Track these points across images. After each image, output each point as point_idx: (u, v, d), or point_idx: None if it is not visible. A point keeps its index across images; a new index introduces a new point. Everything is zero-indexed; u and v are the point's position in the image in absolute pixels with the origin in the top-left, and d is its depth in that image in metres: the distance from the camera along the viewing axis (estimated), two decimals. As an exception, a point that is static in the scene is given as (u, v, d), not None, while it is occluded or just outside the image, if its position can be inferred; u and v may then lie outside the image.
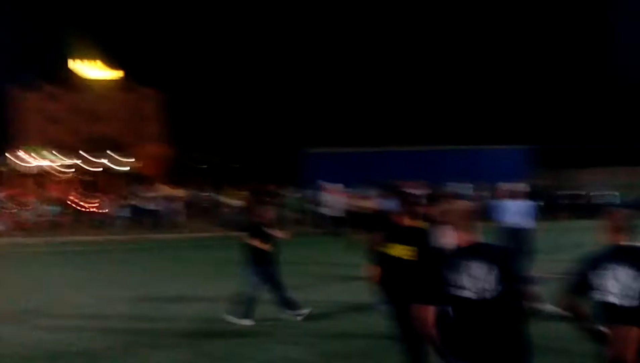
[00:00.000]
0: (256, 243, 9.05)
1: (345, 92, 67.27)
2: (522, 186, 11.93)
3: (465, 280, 3.74)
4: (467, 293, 3.72)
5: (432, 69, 65.51)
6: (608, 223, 3.87)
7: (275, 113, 66.60)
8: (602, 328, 3.77)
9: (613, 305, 3.70)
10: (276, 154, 44.89)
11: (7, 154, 62.58)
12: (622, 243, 3.81)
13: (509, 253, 4.10)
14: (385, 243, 5.27)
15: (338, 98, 66.60)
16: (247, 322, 8.84)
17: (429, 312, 3.91)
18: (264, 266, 9.05)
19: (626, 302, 3.66)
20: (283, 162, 38.81)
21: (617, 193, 27.04)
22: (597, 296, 3.78)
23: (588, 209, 25.91)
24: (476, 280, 3.70)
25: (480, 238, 3.91)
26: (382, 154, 28.93)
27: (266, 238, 9.15)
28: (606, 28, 51.67)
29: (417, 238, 5.10)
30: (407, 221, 5.27)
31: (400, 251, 5.09)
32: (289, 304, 9.12)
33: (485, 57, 64.46)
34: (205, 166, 49.44)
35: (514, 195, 11.61)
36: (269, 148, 51.40)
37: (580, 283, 3.85)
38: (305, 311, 9.10)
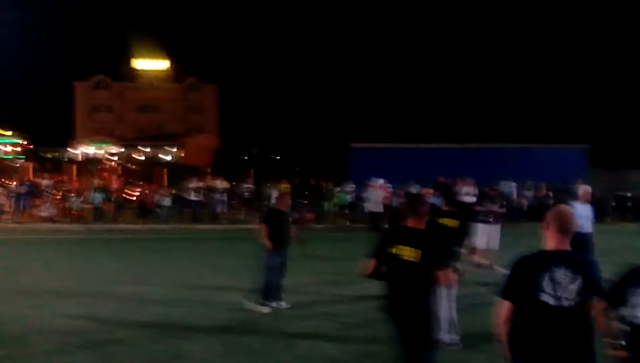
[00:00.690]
0: (266, 230, 9.26)
1: (395, 88, 66.75)
2: (589, 188, 11.24)
3: (546, 284, 3.69)
4: (545, 298, 3.68)
5: (486, 65, 64.47)
6: None
7: (321, 107, 66.56)
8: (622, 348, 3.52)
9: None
10: (321, 148, 44.67)
11: (64, 145, 64.32)
12: None
13: (594, 265, 3.89)
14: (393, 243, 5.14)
15: (387, 93, 66.11)
16: (265, 309, 9.13)
17: (504, 307, 3.86)
18: (277, 252, 9.23)
19: None
20: (328, 156, 38.58)
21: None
22: (627, 314, 3.53)
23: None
24: (558, 287, 3.67)
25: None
26: (429, 150, 28.34)
27: (281, 225, 9.34)
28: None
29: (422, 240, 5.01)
30: (411, 223, 5.19)
31: (405, 252, 4.99)
32: (272, 295, 9.25)
33: (538, 53, 63.04)
34: (246, 158, 49.52)
35: (584, 197, 10.95)
36: (313, 141, 51.22)
37: (615, 296, 3.61)
38: (279, 305, 9.25)
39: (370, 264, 5.23)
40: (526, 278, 3.77)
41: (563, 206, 4.24)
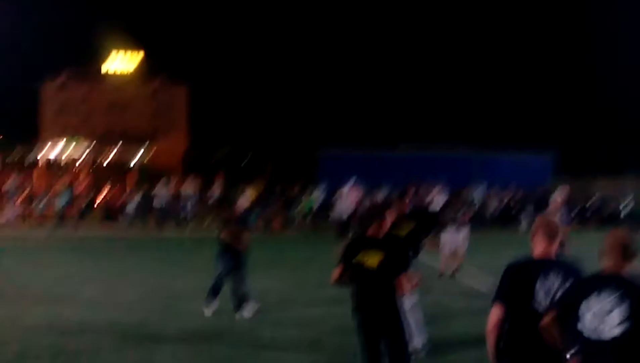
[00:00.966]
0: (226, 236, 9.44)
1: (364, 93, 67.00)
2: (564, 194, 11.26)
3: (538, 291, 3.80)
4: (536, 305, 3.76)
5: (454, 72, 65.07)
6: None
7: (291, 112, 66.48)
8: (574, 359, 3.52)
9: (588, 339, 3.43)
10: (290, 153, 44.61)
11: (27, 145, 63.10)
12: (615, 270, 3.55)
13: (581, 272, 3.91)
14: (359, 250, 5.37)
15: (357, 98, 66.33)
16: (207, 312, 9.25)
17: (496, 311, 3.89)
18: (232, 259, 9.35)
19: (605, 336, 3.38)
20: (297, 161, 38.54)
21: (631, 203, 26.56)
22: (578, 325, 3.52)
23: (618, 219, 25.50)
24: (548, 294, 3.74)
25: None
26: (398, 157, 28.50)
27: (238, 231, 9.50)
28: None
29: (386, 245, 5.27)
30: (371, 231, 5.41)
31: (368, 259, 5.20)
32: (241, 301, 9.33)
33: (506, 59, 63.85)
34: (215, 161, 49.25)
35: (560, 204, 10.96)
36: (283, 146, 51.18)
37: (565, 306, 3.62)
38: (249, 311, 9.28)
39: (336, 271, 5.41)
40: (519, 285, 3.86)
41: (548, 214, 4.40)
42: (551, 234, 3.99)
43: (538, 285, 3.80)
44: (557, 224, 4.12)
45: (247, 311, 9.32)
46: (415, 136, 44.42)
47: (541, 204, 20.27)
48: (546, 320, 3.64)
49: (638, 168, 30.71)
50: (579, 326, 3.51)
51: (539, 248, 3.99)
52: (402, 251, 5.62)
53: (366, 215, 5.76)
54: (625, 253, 3.59)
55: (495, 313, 3.92)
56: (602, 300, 3.45)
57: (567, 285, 3.73)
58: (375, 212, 5.60)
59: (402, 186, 23.64)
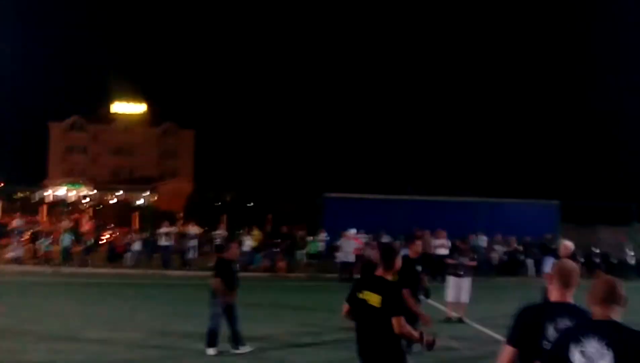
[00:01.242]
0: (215, 282, 9.53)
1: (370, 139, 67.49)
2: (569, 244, 11.23)
3: (550, 334, 3.82)
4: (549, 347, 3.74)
5: (461, 121, 65.66)
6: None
7: (296, 156, 66.93)
8: None
9: None
10: (295, 197, 44.73)
11: (35, 185, 63.48)
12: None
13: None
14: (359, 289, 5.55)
15: (361, 144, 66.78)
16: (211, 351, 9.31)
17: (507, 352, 3.94)
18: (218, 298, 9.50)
19: None
20: (301, 205, 38.61)
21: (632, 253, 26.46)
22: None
23: (625, 267, 25.39)
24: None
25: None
26: (402, 201, 28.47)
27: (230, 275, 9.60)
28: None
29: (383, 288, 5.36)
30: (380, 272, 5.53)
31: (370, 298, 5.35)
32: (237, 339, 9.52)
33: (512, 111, 64.44)
34: (220, 204, 49.34)
35: (564, 252, 10.91)
36: (287, 190, 51.34)
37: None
38: (248, 349, 9.46)
39: (344, 308, 5.59)
40: (531, 327, 3.93)
41: (566, 261, 4.39)
42: (567, 280, 4.07)
43: (548, 325, 3.88)
44: (574, 270, 4.15)
45: (243, 349, 9.49)
46: (422, 183, 44.63)
47: (548, 251, 20.24)
48: (504, 358, 3.76)
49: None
50: (543, 344, 3.67)
51: (555, 293, 4.07)
52: (400, 294, 5.59)
53: (378, 256, 5.80)
54: (613, 299, 3.62)
55: (505, 354, 3.97)
56: (590, 345, 3.47)
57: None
58: (387, 253, 5.64)
59: (407, 231, 23.77)
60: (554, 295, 4.07)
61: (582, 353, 3.47)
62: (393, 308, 5.21)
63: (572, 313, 3.92)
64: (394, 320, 5.14)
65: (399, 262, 5.66)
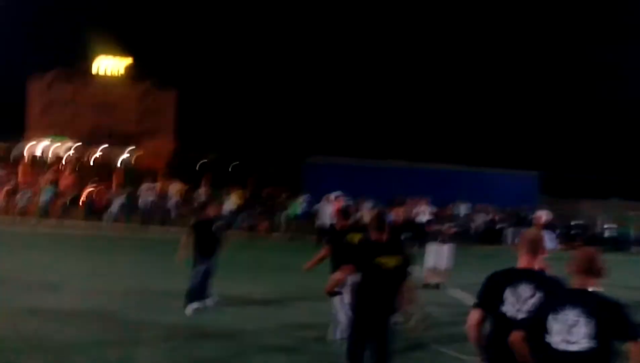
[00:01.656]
0: (186, 239, 9.75)
1: (355, 103, 67.21)
2: (546, 214, 11.32)
3: (508, 297, 4.07)
4: (504, 309, 4.04)
5: (446, 87, 65.47)
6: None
7: (280, 118, 66.54)
8: None
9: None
10: (278, 159, 44.64)
11: (12, 140, 62.62)
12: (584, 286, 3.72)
13: (557, 281, 4.11)
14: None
15: (347, 108, 66.51)
16: (189, 309, 9.35)
17: (474, 314, 4.19)
18: (205, 258, 9.61)
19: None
20: (285, 167, 38.55)
21: (614, 226, 26.77)
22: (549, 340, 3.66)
23: (601, 242, 25.70)
24: (518, 300, 4.02)
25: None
26: (385, 168, 28.51)
27: (206, 235, 9.69)
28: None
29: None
30: (376, 236, 5.93)
31: (389, 261, 5.69)
32: (195, 297, 9.52)
33: (497, 78, 64.37)
34: (204, 162, 49.15)
35: (544, 224, 11.00)
36: (271, 152, 51.17)
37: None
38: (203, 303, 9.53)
39: (341, 273, 5.88)
40: (494, 290, 4.15)
41: (532, 230, 4.74)
42: (534, 248, 4.23)
43: (508, 291, 4.06)
44: (541, 239, 4.36)
45: (203, 302, 9.62)
46: (405, 150, 44.64)
47: (525, 222, 20.44)
48: (515, 336, 3.81)
49: (620, 193, 31.09)
50: (547, 338, 3.68)
51: (522, 261, 4.23)
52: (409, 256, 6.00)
53: (372, 222, 6.08)
54: (592, 270, 3.77)
55: (472, 315, 4.21)
56: (568, 314, 3.62)
57: (538, 294, 3.96)
58: (380, 220, 6.01)
59: (388, 198, 23.79)
60: (521, 262, 4.24)
61: (559, 320, 3.64)
62: (408, 269, 5.75)
63: (535, 279, 4.08)
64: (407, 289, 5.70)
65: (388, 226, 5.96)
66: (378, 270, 5.63)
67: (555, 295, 3.85)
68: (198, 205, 23.73)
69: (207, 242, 9.69)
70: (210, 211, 10.42)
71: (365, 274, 5.70)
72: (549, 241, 10.52)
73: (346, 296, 7.27)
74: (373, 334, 5.62)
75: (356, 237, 7.85)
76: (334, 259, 7.52)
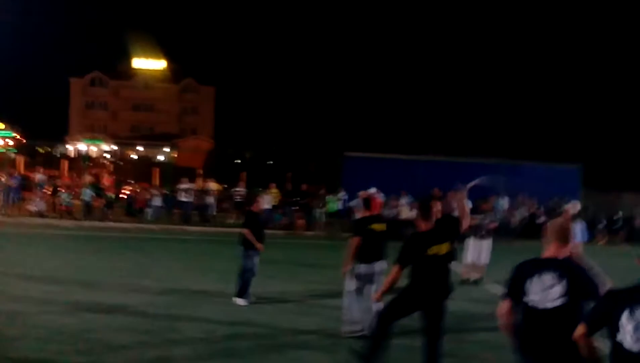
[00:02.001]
0: (246, 232, 10.01)
1: (393, 98, 66.85)
2: (577, 205, 11.17)
3: (533, 287, 4.11)
4: (529, 299, 4.10)
5: (483, 81, 64.68)
6: None
7: (318, 114, 66.58)
8: None
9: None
10: (315, 155, 44.64)
11: (57, 140, 64.06)
12: None
13: (581, 268, 4.25)
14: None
15: (384, 103, 66.20)
16: (241, 302, 9.76)
17: (504, 304, 4.30)
18: (249, 250, 9.96)
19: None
20: (321, 163, 38.53)
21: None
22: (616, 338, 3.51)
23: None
24: (542, 289, 4.05)
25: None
26: (423, 162, 28.20)
27: (257, 227, 10.07)
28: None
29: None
30: (425, 226, 6.30)
31: (442, 249, 6.14)
32: (243, 291, 9.86)
33: (534, 71, 63.32)
34: (240, 161, 49.42)
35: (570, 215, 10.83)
36: (308, 148, 51.20)
37: (599, 320, 3.67)
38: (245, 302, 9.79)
39: (396, 270, 6.10)
40: (519, 280, 4.19)
41: (557, 219, 4.59)
42: (561, 237, 4.24)
43: (533, 280, 4.10)
44: (568, 228, 4.35)
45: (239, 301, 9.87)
46: (443, 144, 44.22)
47: (555, 214, 20.01)
48: (577, 335, 3.71)
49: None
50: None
51: (548, 250, 4.26)
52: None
53: (419, 212, 6.33)
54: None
55: (502, 305, 4.33)
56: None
57: (563, 282, 4.02)
58: (425, 208, 6.26)
59: (427, 192, 23.53)
60: (547, 252, 4.26)
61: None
62: (453, 254, 6.25)
63: (559, 267, 4.10)
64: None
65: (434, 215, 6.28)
66: (434, 259, 6.00)
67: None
68: (237, 203, 23.92)
69: (256, 234, 9.98)
70: (260, 204, 10.94)
71: (419, 265, 6.05)
72: (580, 232, 10.39)
73: (356, 291, 7.97)
74: (430, 317, 6.03)
75: (379, 227, 8.15)
76: (360, 247, 7.91)
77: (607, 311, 3.59)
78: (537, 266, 4.16)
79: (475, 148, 40.86)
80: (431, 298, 6.06)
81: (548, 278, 4.05)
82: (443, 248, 6.06)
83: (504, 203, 24.58)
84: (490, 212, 14.69)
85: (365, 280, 7.97)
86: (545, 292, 4.03)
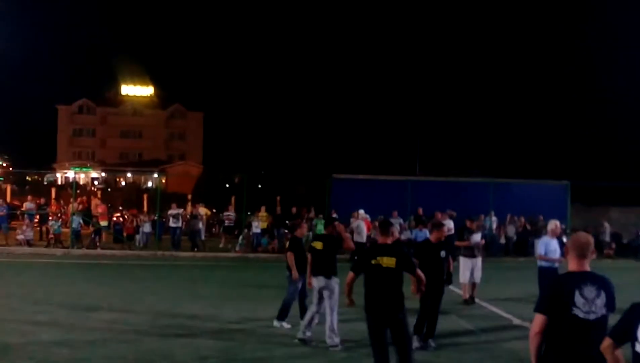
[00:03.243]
0: (289, 256, 9.86)
1: (380, 120, 67.22)
2: (558, 223, 11.28)
3: (577, 299, 4.15)
4: (576, 311, 4.14)
5: (471, 102, 65.18)
6: None
7: (305, 137, 66.82)
8: None
9: None
10: (304, 179, 44.70)
11: (45, 168, 63.75)
12: None
13: (611, 283, 4.33)
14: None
15: (370, 125, 66.54)
16: (281, 325, 9.91)
17: (538, 320, 4.25)
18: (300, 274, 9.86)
19: None
20: (310, 187, 38.55)
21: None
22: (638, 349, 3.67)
23: (633, 250, 25.27)
24: (586, 302, 4.13)
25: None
26: (411, 182, 28.25)
27: (300, 253, 9.87)
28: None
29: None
30: (381, 240, 6.87)
31: (385, 261, 6.47)
32: (285, 314, 9.95)
33: (523, 91, 63.94)
34: (228, 186, 49.41)
35: (553, 232, 10.95)
36: (296, 171, 51.29)
37: (623, 332, 3.81)
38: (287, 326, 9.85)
39: (350, 276, 6.67)
40: (560, 295, 4.23)
41: (581, 233, 4.58)
42: (582, 252, 4.33)
43: (577, 294, 4.17)
44: (587, 241, 4.40)
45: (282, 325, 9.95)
46: (430, 164, 44.42)
47: (540, 232, 20.12)
48: (603, 348, 3.87)
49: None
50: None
51: (572, 263, 4.35)
52: (408, 255, 6.83)
53: (377, 228, 7.26)
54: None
55: (537, 322, 4.27)
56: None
57: (603, 293, 4.18)
58: (384, 225, 6.92)
59: (416, 212, 23.57)
60: (572, 266, 4.35)
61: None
62: (409, 266, 6.57)
63: (594, 279, 4.24)
64: (418, 272, 6.76)
65: (394, 232, 7.16)
66: (377, 269, 6.40)
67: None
68: (291, 224, 23.78)
69: (300, 260, 9.78)
70: (304, 230, 10.83)
71: (367, 274, 6.51)
72: (560, 248, 10.48)
73: (327, 302, 8.59)
74: (393, 330, 6.34)
75: (318, 245, 9.05)
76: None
77: (630, 323, 3.79)
78: (577, 279, 4.24)
79: (462, 167, 41.07)
80: (380, 308, 6.34)
81: (591, 290, 4.17)
82: (388, 261, 6.38)
83: (492, 221, 24.69)
84: (479, 228, 14.74)
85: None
86: (591, 304, 4.14)
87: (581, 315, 4.13)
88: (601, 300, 4.16)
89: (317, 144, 63.28)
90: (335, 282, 8.71)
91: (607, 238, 25.64)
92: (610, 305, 4.19)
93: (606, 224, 26.09)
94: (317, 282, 8.84)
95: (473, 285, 13.14)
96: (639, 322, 3.68)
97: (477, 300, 12.92)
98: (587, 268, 4.32)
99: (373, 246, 7.10)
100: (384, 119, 67.57)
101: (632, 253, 25.09)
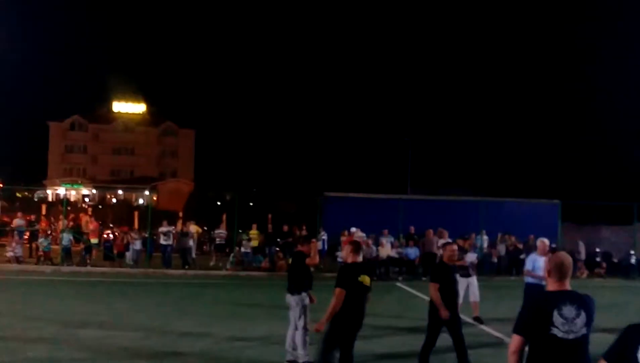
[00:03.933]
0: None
1: (370, 139, 67.44)
2: (546, 241, 11.32)
3: (556, 319, 4.17)
4: (555, 331, 4.16)
5: (462, 121, 65.54)
6: None
7: (297, 156, 66.92)
8: None
9: None
10: (295, 197, 44.71)
11: (35, 184, 63.45)
12: None
13: (592, 301, 4.37)
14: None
15: (362, 144, 66.73)
16: None
17: (516, 340, 4.27)
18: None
19: None
20: (302, 205, 38.56)
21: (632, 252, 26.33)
22: None
23: (623, 269, 25.32)
24: (566, 321, 4.16)
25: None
26: (403, 201, 28.30)
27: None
28: None
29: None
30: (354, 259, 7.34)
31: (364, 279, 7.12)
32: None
33: (515, 110, 64.40)
34: (220, 203, 49.36)
35: (542, 250, 10.99)
36: (288, 189, 51.29)
37: (619, 354, 3.76)
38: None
39: (341, 293, 6.95)
40: (538, 314, 4.24)
41: (560, 253, 4.60)
42: (561, 271, 4.36)
43: (556, 314, 4.18)
44: (568, 262, 4.43)
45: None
46: (422, 183, 44.54)
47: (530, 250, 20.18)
48: (515, 343, 4.15)
49: None
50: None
51: (552, 284, 4.37)
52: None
53: (351, 247, 7.37)
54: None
55: (514, 342, 4.28)
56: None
57: (583, 313, 4.19)
58: (356, 245, 7.41)
59: (407, 231, 23.60)
60: (552, 286, 4.37)
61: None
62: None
63: (573, 298, 4.25)
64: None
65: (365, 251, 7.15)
66: (361, 286, 7.00)
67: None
68: (298, 238, 23.63)
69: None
70: (307, 246, 10.00)
71: (351, 290, 6.95)
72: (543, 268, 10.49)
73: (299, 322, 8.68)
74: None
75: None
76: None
77: (627, 346, 3.74)
78: (556, 299, 4.26)
79: (454, 186, 41.21)
80: (360, 321, 7.03)
81: (571, 309, 4.19)
82: (366, 279, 7.03)
83: (484, 240, 24.74)
84: (472, 248, 14.76)
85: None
86: (570, 323, 4.16)
87: (560, 334, 4.16)
88: (581, 320, 4.19)
89: (309, 163, 63.44)
90: (294, 299, 8.76)
91: (583, 257, 25.53)
92: (590, 323, 4.21)
93: (581, 244, 26.10)
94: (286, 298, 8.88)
95: (475, 304, 13.10)
96: (638, 343, 3.64)
97: (468, 318, 12.89)
98: (568, 287, 4.34)
99: (355, 265, 7.25)
100: (375, 137, 67.83)
101: (622, 272, 25.17)
